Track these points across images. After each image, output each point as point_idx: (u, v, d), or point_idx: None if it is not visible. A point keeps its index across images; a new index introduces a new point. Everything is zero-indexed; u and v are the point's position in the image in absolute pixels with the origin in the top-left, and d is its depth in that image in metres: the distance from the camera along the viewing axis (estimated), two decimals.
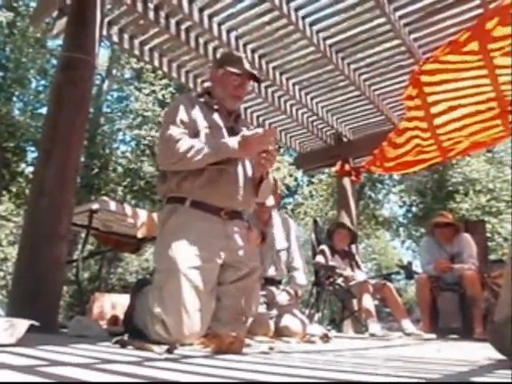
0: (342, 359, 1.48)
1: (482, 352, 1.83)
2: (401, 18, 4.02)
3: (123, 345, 1.57)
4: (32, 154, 12.66)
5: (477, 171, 13.05)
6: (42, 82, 13.24)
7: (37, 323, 1.51)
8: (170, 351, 1.42)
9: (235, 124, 2.17)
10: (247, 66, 2.17)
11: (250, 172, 2.10)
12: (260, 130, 1.90)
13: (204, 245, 1.87)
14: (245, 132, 1.93)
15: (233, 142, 1.90)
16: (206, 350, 1.57)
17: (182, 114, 1.99)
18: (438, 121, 3.31)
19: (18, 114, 12.07)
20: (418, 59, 4.19)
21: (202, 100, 2.15)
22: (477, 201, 12.92)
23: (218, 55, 2.49)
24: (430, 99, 3.19)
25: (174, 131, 1.93)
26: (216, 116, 2.10)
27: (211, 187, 1.94)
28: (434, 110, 3.25)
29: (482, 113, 3.14)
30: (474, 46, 2.73)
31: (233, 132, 2.06)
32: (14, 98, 12.30)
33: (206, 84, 2.30)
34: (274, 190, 2.76)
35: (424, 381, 0.97)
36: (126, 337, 1.69)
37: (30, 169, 12.49)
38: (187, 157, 1.86)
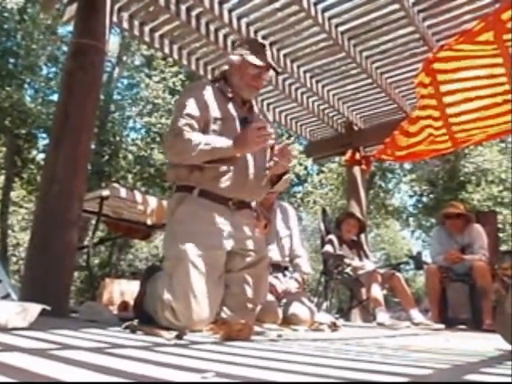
0: (350, 348, 1.49)
1: (491, 343, 1.83)
2: (415, 4, 3.94)
3: (133, 330, 1.60)
4: (43, 141, 12.75)
5: (489, 161, 12.85)
6: (53, 69, 13.24)
7: (48, 307, 1.54)
8: (179, 337, 1.43)
9: (249, 114, 2.13)
10: (268, 56, 2.09)
11: (260, 163, 2.08)
12: (254, 125, 1.88)
13: (211, 233, 1.89)
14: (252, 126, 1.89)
15: (228, 140, 1.86)
16: (215, 337, 1.58)
17: (191, 107, 1.95)
18: (451, 110, 3.26)
19: (29, 100, 12.12)
20: (431, 47, 4.11)
21: (216, 86, 2.10)
22: (489, 191, 12.76)
23: (241, 41, 2.43)
24: (444, 88, 3.14)
25: (180, 123, 1.91)
26: (230, 105, 2.06)
27: (220, 177, 1.94)
28: (448, 99, 3.20)
29: (499, 105, 3.08)
30: (488, 36, 2.68)
31: (246, 122, 2.03)
32: (25, 85, 12.34)
33: (225, 67, 2.25)
34: None
35: (431, 371, 0.96)
36: (135, 322, 1.71)
37: (42, 155, 12.58)
38: (185, 150, 1.86)
